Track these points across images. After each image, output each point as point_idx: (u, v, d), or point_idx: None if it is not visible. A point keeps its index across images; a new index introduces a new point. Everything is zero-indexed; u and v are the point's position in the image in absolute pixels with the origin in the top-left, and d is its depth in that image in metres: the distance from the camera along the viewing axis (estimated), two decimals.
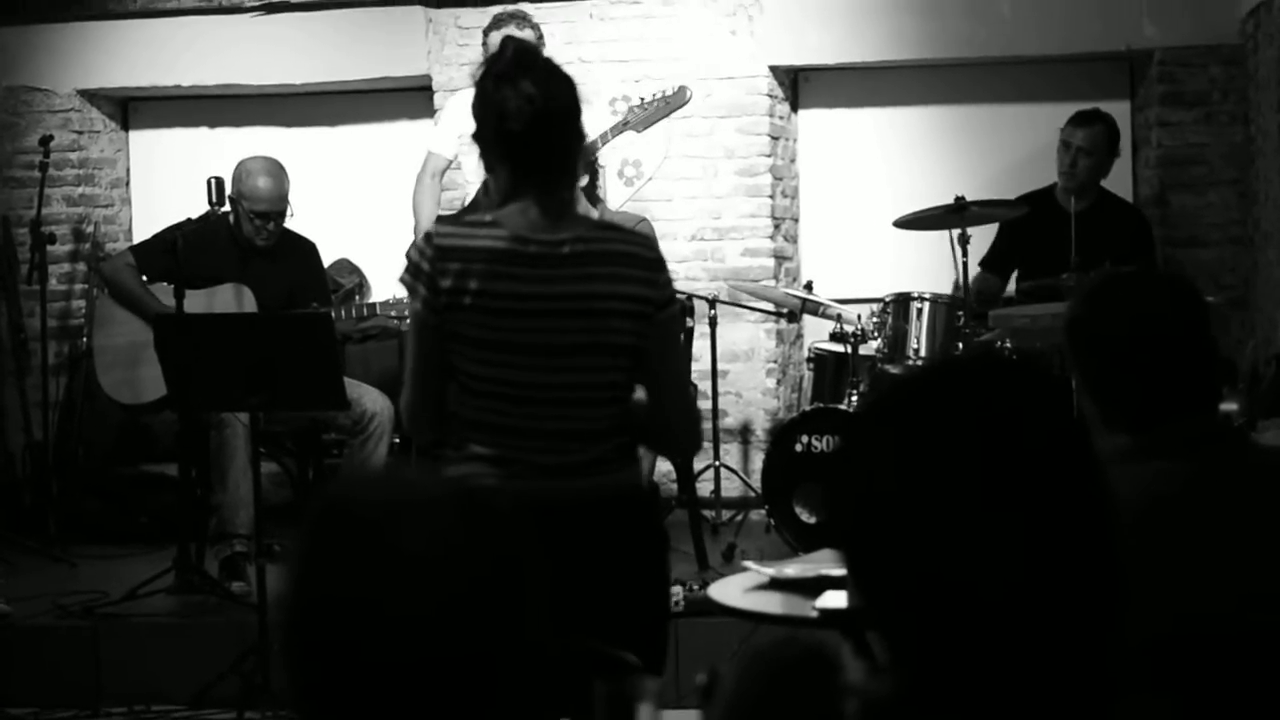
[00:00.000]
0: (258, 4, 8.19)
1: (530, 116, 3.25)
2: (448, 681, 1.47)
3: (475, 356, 3.31)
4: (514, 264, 3.27)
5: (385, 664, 1.46)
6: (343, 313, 6.49)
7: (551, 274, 3.28)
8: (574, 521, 3.22)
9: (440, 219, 5.88)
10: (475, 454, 3.35)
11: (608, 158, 6.86)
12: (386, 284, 7.23)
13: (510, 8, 7.10)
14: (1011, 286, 7.36)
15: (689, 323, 6.82)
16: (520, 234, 3.28)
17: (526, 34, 6.48)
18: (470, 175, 6.78)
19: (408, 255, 3.36)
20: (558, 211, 3.32)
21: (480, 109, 3.34)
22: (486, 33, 6.70)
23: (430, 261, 3.29)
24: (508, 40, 3.60)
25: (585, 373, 3.32)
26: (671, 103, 6.77)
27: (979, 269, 7.29)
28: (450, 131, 6.79)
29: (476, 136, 3.38)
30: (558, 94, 3.29)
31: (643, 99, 6.80)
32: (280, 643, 1.53)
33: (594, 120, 7.09)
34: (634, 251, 3.36)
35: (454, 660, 1.47)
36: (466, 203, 6.60)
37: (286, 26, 8.18)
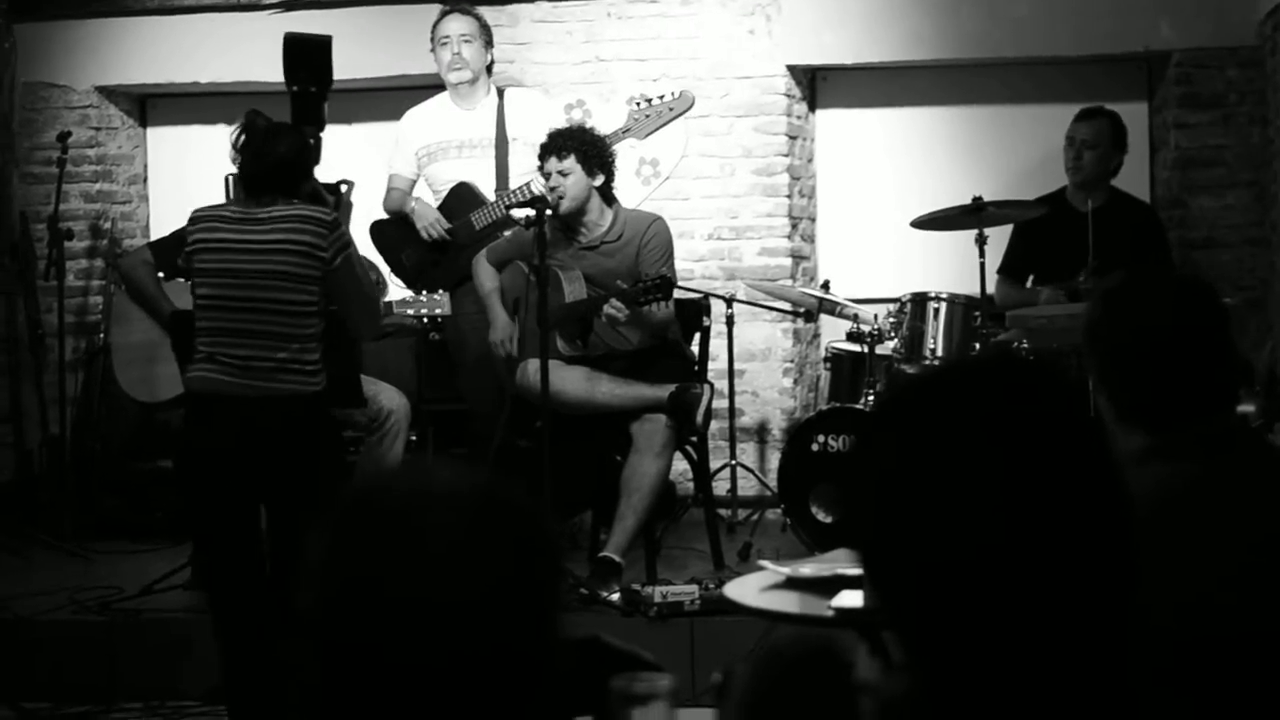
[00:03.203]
0: (275, 1, 8.20)
1: (253, 160, 5.09)
2: (467, 675, 1.47)
3: (202, 281, 5.05)
4: (228, 223, 5.06)
5: (406, 657, 1.46)
6: None
7: (250, 228, 5.02)
8: (258, 413, 4.90)
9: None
10: (203, 354, 5.00)
11: (625, 157, 6.85)
12: None
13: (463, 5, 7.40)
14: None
15: (705, 321, 6.79)
16: (237, 210, 5.11)
17: (469, 20, 7.15)
18: (438, 184, 7.11)
19: None
20: (269, 202, 5.06)
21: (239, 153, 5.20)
22: (435, 24, 7.23)
23: (185, 229, 5.16)
24: (250, 113, 5.22)
25: (273, 290, 4.96)
26: (675, 108, 6.73)
27: (998, 276, 7.25)
28: (409, 150, 7.24)
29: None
30: (273, 146, 5.09)
31: (639, 104, 6.77)
32: (305, 635, 1.54)
33: (611, 117, 7.13)
34: (309, 215, 5.04)
35: (474, 653, 1.47)
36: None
37: (304, 23, 8.17)
